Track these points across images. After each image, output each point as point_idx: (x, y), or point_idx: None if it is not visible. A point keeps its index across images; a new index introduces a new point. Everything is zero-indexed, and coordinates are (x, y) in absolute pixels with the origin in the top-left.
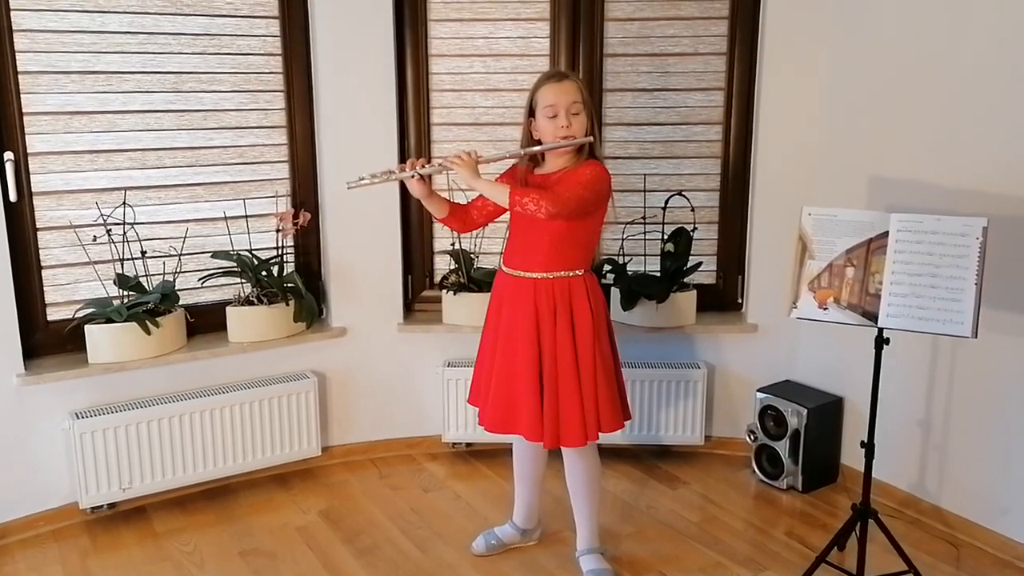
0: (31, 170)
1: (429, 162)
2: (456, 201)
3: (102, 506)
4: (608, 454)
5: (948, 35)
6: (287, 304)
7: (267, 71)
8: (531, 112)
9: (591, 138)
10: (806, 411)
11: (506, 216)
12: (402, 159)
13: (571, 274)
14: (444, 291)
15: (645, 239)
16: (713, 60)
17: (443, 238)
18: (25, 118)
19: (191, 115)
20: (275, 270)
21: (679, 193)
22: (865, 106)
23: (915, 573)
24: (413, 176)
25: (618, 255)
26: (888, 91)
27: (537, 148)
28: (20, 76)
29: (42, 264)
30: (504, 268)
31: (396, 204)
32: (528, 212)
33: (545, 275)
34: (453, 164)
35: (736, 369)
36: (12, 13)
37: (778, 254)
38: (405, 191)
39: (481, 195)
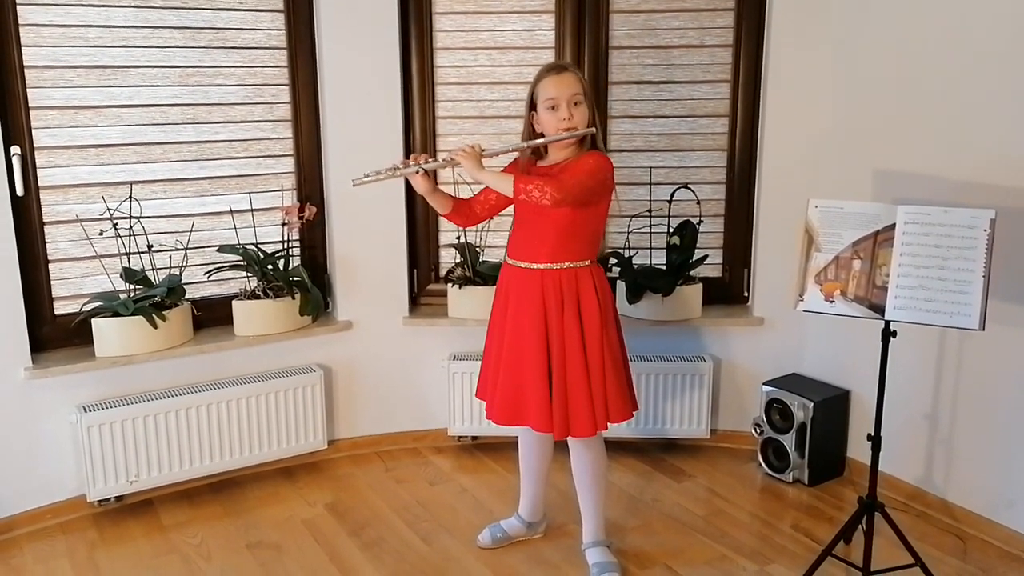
0: (38, 164)
1: (433, 157)
2: (461, 196)
3: (109, 499)
4: (614, 447)
5: (955, 27)
6: (293, 298)
7: (272, 65)
8: (532, 106)
9: (593, 129)
10: (812, 404)
11: (510, 209)
12: (407, 152)
13: (577, 265)
14: (449, 285)
15: (651, 232)
16: (719, 52)
17: (448, 232)
18: (31, 112)
19: (196, 109)
20: (281, 264)
21: (685, 186)
22: (872, 98)
23: (921, 566)
24: (417, 171)
25: (624, 248)
26: (895, 83)
27: (540, 140)
28: (26, 70)
29: (49, 258)
30: (509, 260)
31: (401, 198)
32: (533, 199)
33: (551, 266)
34: (457, 157)
35: (742, 362)
36: (18, 7)
37: (784, 247)
38: (411, 185)
39: (484, 189)
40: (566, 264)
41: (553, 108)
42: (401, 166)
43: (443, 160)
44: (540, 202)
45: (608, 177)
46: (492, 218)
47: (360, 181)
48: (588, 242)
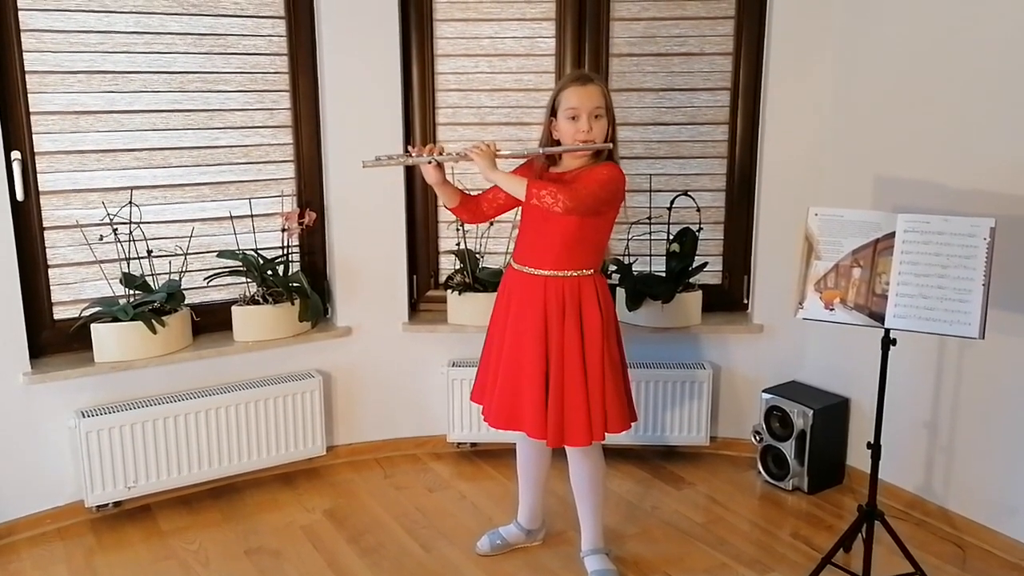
0: (38, 169)
1: (446, 151)
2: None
3: (107, 504)
4: (613, 454)
5: (955, 35)
6: (292, 303)
7: (273, 71)
8: (553, 112)
9: (610, 145)
10: (812, 412)
11: (511, 214)
12: (410, 151)
13: (581, 274)
14: (449, 291)
15: (651, 239)
16: (719, 60)
17: (448, 238)
18: (32, 117)
19: (197, 115)
20: (280, 269)
21: (685, 193)
22: (871, 106)
23: (921, 575)
24: (430, 162)
25: (624, 255)
26: (894, 91)
27: (556, 149)
28: (27, 76)
29: (49, 263)
30: (514, 264)
31: (401, 204)
32: (545, 205)
33: (555, 273)
34: (471, 154)
35: (742, 370)
36: (20, 13)
37: (784, 254)
38: (411, 190)
39: (493, 187)
40: (570, 272)
41: (574, 118)
42: (413, 154)
43: (457, 154)
44: (552, 208)
45: (620, 189)
46: (497, 217)
47: (371, 164)
48: (593, 251)
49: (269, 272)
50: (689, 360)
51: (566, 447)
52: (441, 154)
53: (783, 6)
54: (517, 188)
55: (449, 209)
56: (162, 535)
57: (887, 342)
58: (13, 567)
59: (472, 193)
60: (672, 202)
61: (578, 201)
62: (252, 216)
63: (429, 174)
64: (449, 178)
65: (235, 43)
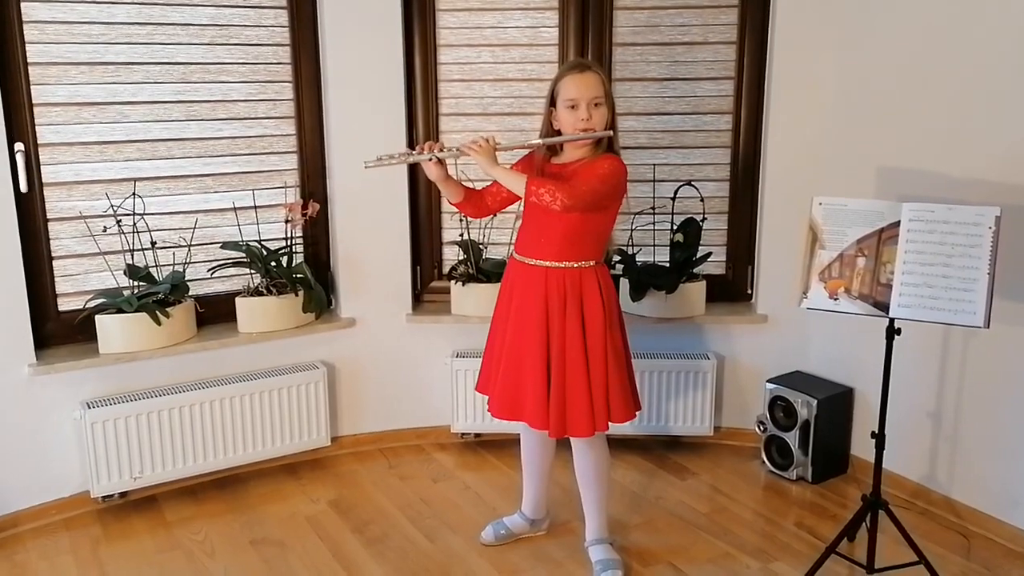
0: (41, 161)
1: (446, 146)
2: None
3: (113, 495)
4: (617, 445)
5: (960, 24)
6: (296, 295)
7: (275, 61)
8: (552, 102)
9: (610, 132)
10: (816, 402)
11: (516, 205)
12: (411, 149)
13: (583, 265)
14: (453, 282)
15: (654, 229)
16: (723, 49)
17: (452, 229)
18: (35, 109)
19: (200, 106)
20: (284, 261)
21: (688, 183)
22: (876, 95)
23: (925, 564)
24: (431, 159)
25: (627, 245)
26: (899, 80)
27: (556, 139)
28: (30, 67)
29: (53, 255)
30: (516, 256)
31: (405, 195)
32: (543, 203)
33: (557, 264)
34: (470, 150)
35: (746, 360)
36: (22, 5)
37: (788, 244)
38: (414, 181)
39: (495, 181)
40: (571, 263)
41: (573, 107)
42: (414, 152)
43: (457, 150)
44: (551, 206)
45: (621, 182)
46: (502, 210)
47: (372, 164)
48: (595, 243)
49: (273, 263)
50: (693, 350)
51: (570, 437)
52: (441, 151)
53: None
54: (517, 185)
55: (452, 204)
56: (167, 526)
57: (891, 332)
58: (19, 558)
59: (477, 187)
60: (676, 192)
61: (576, 198)
62: (255, 207)
63: (431, 171)
64: (452, 170)
65: (237, 33)
